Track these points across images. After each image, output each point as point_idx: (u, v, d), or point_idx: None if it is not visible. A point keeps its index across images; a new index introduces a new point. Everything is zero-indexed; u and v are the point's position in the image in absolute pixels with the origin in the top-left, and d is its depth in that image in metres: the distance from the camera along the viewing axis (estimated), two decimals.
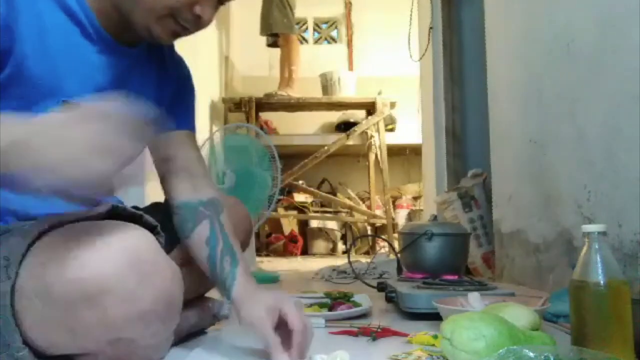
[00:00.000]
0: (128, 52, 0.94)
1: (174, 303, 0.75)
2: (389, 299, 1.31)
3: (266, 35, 4.38)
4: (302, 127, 4.79)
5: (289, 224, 4.49)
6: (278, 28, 4.25)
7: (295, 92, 4.34)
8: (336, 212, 4.65)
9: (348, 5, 5.43)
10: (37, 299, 0.68)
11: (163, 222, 0.94)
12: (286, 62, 4.34)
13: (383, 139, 4.32)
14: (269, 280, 2.11)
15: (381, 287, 1.44)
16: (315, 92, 4.51)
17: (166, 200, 1.03)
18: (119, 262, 0.68)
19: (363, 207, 4.59)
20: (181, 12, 0.87)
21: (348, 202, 4.59)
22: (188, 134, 1.06)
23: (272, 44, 4.46)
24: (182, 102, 1.08)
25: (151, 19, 0.87)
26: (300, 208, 4.53)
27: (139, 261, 0.70)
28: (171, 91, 1.05)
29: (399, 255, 1.57)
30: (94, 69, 0.90)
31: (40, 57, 0.84)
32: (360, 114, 4.70)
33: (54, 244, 0.71)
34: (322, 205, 4.74)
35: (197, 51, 2.83)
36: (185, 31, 0.91)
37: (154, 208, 1.06)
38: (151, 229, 0.87)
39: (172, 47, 1.06)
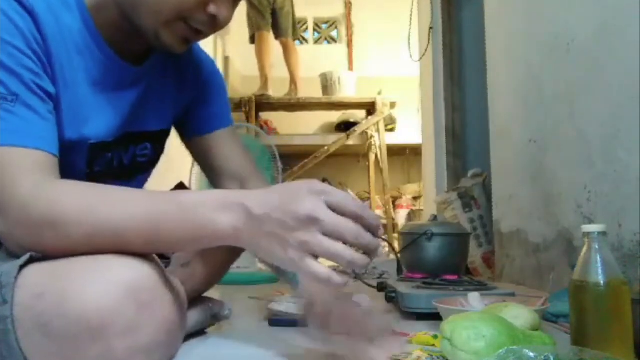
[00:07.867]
0: (136, 71, 0.89)
1: (175, 329, 0.74)
2: (389, 299, 1.31)
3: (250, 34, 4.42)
4: (302, 127, 4.79)
5: None
6: (250, 25, 4.32)
7: (270, 91, 4.36)
8: None
9: (348, 5, 5.43)
10: (35, 331, 0.65)
11: None
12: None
13: (383, 139, 4.32)
14: (269, 280, 2.10)
15: (381, 287, 1.44)
16: (315, 92, 4.51)
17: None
18: (118, 295, 0.65)
19: None
20: (193, 13, 0.79)
21: None
22: (227, 130, 1.05)
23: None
24: (213, 102, 1.05)
25: (159, 23, 0.79)
26: None
27: (138, 291, 0.67)
28: (192, 97, 1.03)
29: (399, 255, 1.57)
30: (110, 99, 0.86)
31: (69, 93, 0.80)
32: (360, 114, 4.70)
33: (49, 273, 0.68)
34: None
35: None
36: (199, 35, 0.83)
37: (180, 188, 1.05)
38: None
39: (192, 50, 1.00)
